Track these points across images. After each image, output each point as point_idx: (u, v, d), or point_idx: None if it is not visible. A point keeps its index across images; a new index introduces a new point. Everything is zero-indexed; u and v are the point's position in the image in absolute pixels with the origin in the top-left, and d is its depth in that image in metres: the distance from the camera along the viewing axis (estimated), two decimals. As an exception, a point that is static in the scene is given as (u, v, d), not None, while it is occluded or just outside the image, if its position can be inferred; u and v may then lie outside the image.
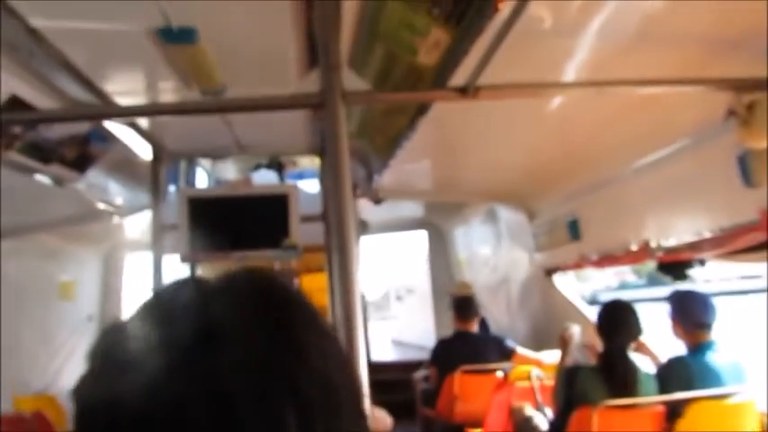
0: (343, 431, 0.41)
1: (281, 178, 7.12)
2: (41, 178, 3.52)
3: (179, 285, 0.47)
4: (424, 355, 5.29)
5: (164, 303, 0.46)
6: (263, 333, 0.41)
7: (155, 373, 0.38)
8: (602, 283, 23.22)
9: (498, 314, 5.95)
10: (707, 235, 2.83)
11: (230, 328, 0.41)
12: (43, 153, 3.26)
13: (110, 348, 0.43)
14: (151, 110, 2.73)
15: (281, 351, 0.41)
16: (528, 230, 5.04)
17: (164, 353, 0.39)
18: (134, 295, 6.75)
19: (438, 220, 7.33)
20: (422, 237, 7.68)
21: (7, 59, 2.27)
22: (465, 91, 2.16)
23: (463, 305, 4.72)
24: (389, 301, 10.92)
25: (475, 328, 4.65)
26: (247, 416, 0.37)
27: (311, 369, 0.41)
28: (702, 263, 3.41)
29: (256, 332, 0.41)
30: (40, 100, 2.71)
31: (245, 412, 0.37)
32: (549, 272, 4.99)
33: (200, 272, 6.47)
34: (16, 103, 2.56)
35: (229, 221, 3.68)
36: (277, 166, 7.52)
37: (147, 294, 0.46)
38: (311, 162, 9.49)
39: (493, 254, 6.12)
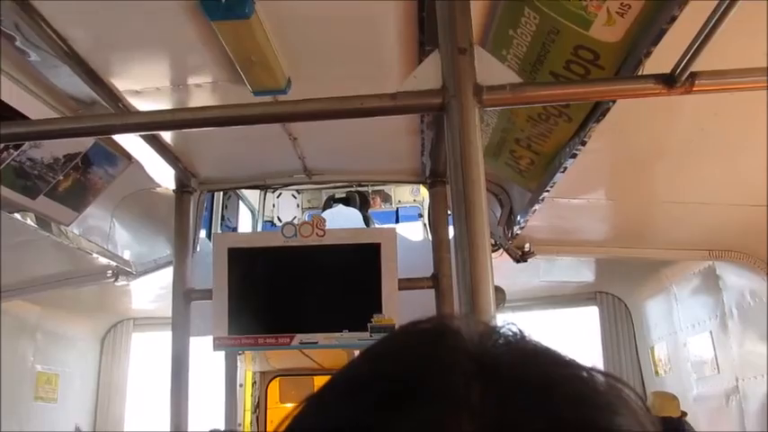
0: None
1: (366, 220, 7.21)
2: (20, 218, 3.78)
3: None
4: None
5: None
6: None
7: None
8: None
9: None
10: None
11: None
12: (28, 182, 3.50)
13: None
14: (179, 119, 2.82)
15: None
16: (776, 308, 4.81)
17: None
18: (145, 396, 6.94)
19: (618, 288, 7.23)
20: (590, 315, 7.54)
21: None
22: (672, 81, 2.14)
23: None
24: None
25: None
26: None
27: None
28: None
29: None
30: (26, 102, 2.92)
31: None
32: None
33: (246, 364, 6.51)
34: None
35: (290, 287, 3.75)
36: (358, 200, 7.65)
37: None
38: (410, 196, 9.64)
39: (712, 345, 5.88)
